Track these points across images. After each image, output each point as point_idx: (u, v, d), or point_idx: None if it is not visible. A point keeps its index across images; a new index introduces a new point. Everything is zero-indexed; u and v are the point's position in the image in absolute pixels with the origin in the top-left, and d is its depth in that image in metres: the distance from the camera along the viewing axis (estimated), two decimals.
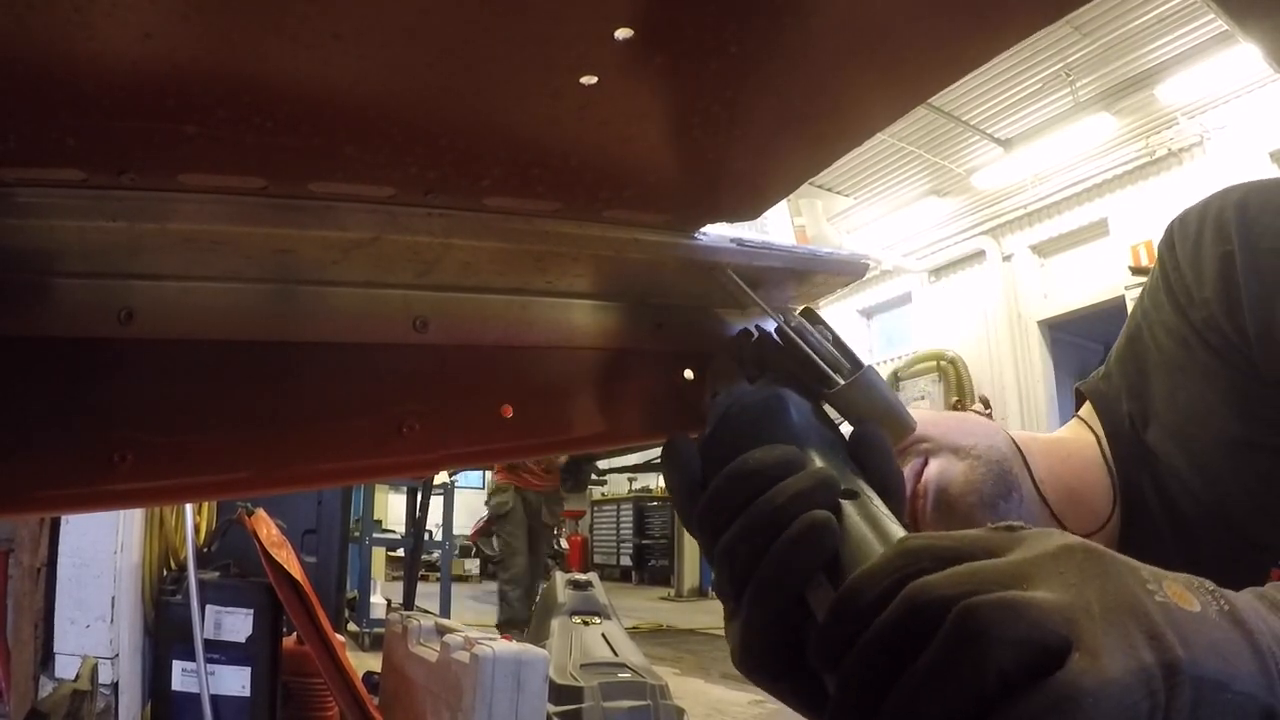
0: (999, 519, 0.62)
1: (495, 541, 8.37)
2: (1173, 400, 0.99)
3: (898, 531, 0.49)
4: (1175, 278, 0.98)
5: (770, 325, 0.70)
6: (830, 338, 0.71)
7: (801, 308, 0.75)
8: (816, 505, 0.50)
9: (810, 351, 0.65)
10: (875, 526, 0.50)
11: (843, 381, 0.65)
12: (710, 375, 0.66)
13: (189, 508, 3.68)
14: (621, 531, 15.85)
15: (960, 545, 0.41)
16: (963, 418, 1.09)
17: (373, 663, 4.68)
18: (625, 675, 3.87)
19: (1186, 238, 0.97)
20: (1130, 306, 1.12)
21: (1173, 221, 1.01)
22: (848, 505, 0.51)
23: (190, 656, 3.44)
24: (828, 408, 0.65)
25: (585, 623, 4.31)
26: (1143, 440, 1.02)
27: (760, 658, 0.51)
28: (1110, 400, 1.08)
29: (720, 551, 0.52)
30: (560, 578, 4.69)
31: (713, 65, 0.61)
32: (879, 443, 0.59)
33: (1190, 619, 0.37)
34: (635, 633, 6.63)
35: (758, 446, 0.55)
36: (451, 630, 3.46)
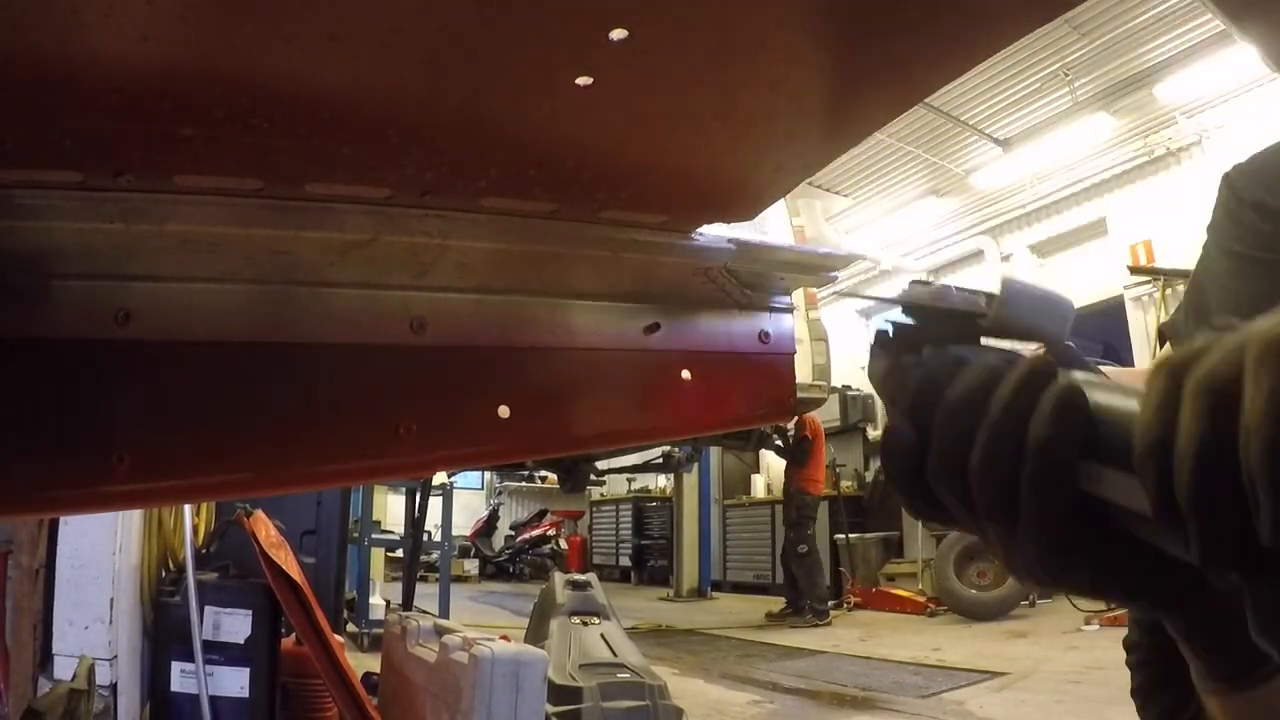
0: None
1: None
2: (1223, 307, 1.04)
3: (1129, 393, 0.45)
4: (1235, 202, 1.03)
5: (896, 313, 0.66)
6: (951, 287, 0.68)
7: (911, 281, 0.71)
8: (1048, 379, 0.47)
9: (947, 303, 0.60)
10: (1107, 389, 0.46)
11: (987, 308, 0.60)
12: (886, 390, 0.61)
13: (187, 509, 3.68)
14: (621, 532, 15.83)
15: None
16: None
17: (371, 663, 4.68)
18: (624, 675, 3.87)
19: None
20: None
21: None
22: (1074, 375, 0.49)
23: (189, 658, 3.44)
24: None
25: (584, 623, 4.31)
26: None
27: (1068, 545, 0.46)
28: (1177, 326, 1.17)
29: (977, 470, 0.48)
30: (559, 578, 4.69)
31: (707, 66, 0.61)
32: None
33: None
34: (634, 633, 6.63)
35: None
36: (450, 631, 3.46)
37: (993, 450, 0.47)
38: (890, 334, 0.61)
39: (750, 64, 0.62)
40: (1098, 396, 0.46)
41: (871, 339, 0.62)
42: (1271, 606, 0.37)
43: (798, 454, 8.80)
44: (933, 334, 0.59)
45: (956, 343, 0.58)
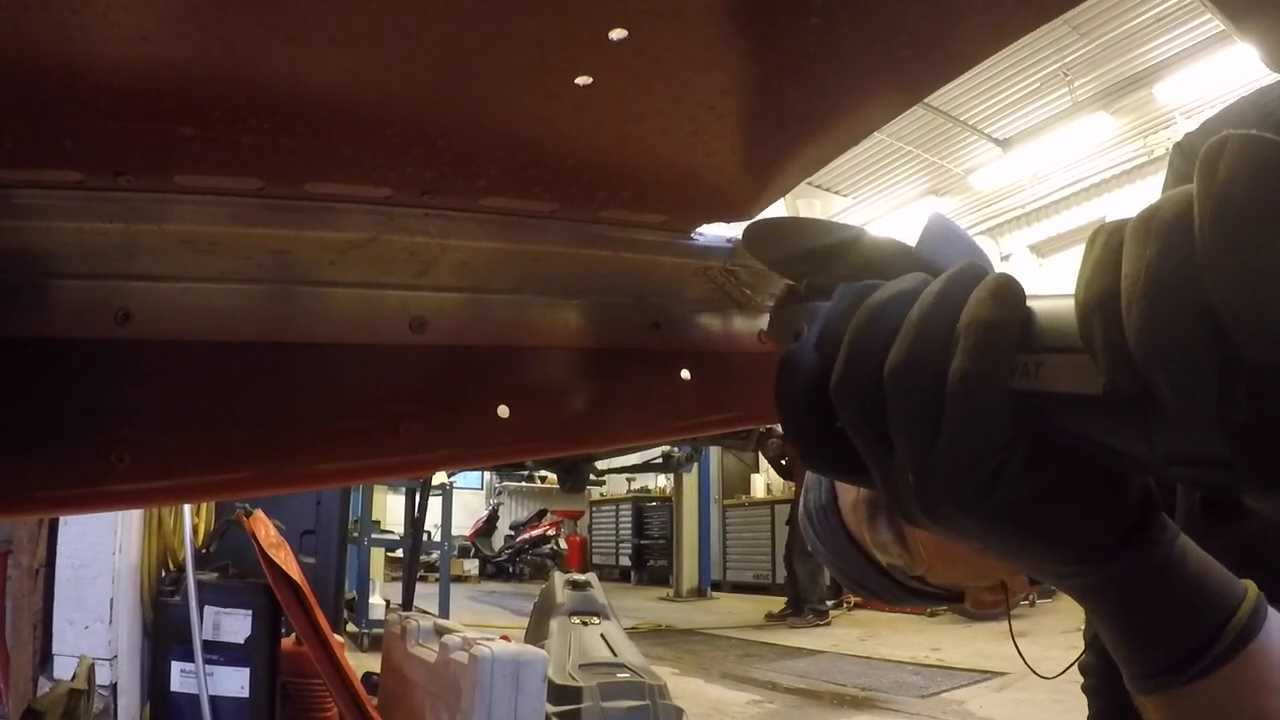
0: None
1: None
2: None
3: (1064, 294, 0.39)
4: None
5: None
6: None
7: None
8: (982, 276, 0.41)
9: (869, 243, 0.53)
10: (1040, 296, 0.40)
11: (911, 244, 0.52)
12: (778, 331, 0.52)
13: (187, 508, 3.68)
14: (620, 532, 15.84)
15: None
16: None
17: (371, 663, 4.68)
18: (624, 675, 3.87)
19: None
20: None
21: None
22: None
23: (189, 657, 3.44)
24: None
25: (584, 623, 4.31)
26: None
27: (1001, 450, 0.39)
28: None
29: (898, 365, 0.40)
30: (559, 578, 4.69)
31: (707, 66, 0.61)
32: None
33: None
34: (634, 633, 6.63)
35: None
36: (450, 631, 3.46)
37: (921, 339, 0.40)
38: (799, 282, 0.54)
39: (750, 63, 0.62)
40: (1034, 296, 0.41)
41: (779, 291, 0.54)
42: (1270, 441, 0.30)
43: None
44: (850, 277, 0.50)
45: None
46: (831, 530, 0.94)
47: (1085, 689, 0.94)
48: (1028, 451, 0.39)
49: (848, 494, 0.92)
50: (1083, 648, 0.99)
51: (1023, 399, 0.39)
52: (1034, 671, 1.10)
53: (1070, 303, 0.37)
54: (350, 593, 6.91)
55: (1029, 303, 0.40)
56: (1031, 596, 8.08)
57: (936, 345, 0.40)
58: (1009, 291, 0.39)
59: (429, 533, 8.01)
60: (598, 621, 4.35)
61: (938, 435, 0.40)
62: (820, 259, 0.52)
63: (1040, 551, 0.43)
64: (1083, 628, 0.98)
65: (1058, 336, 0.38)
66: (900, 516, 0.44)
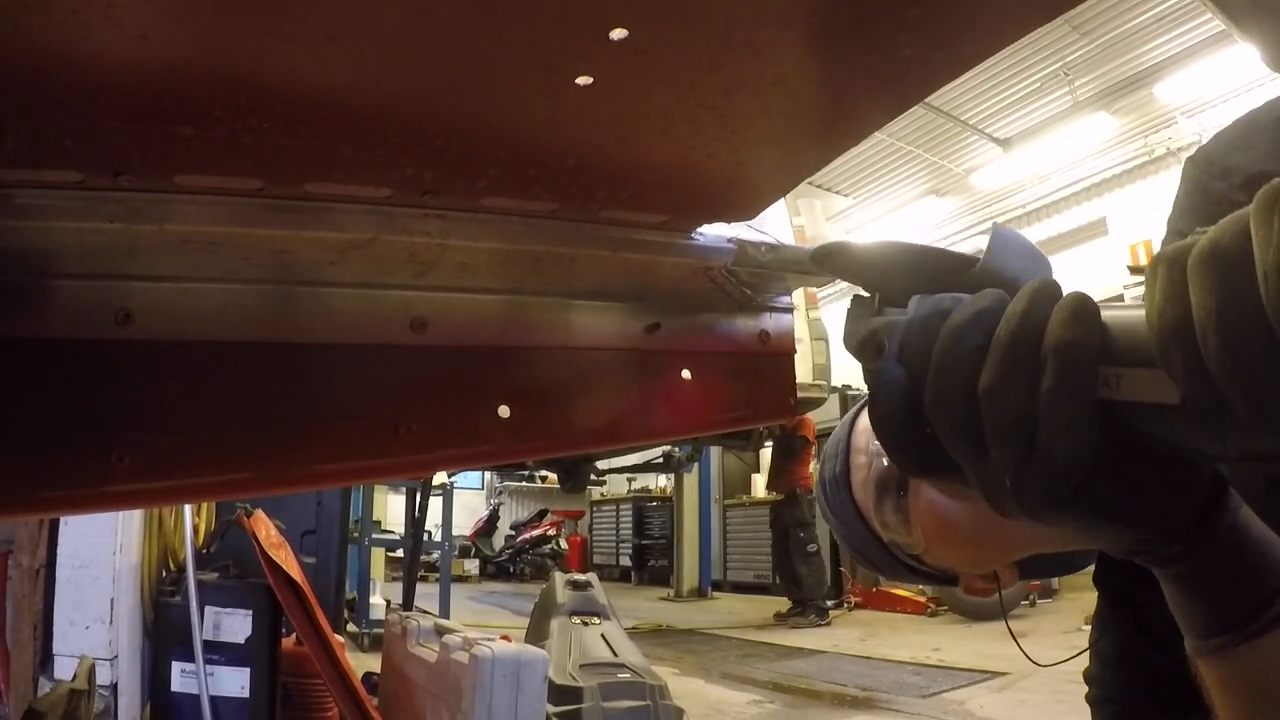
0: None
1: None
2: None
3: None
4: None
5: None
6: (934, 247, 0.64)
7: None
8: (1059, 293, 0.45)
9: (933, 256, 0.56)
10: (1106, 304, 0.44)
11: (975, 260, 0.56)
12: (855, 341, 0.55)
13: (188, 509, 3.68)
14: (621, 532, 15.83)
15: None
16: None
17: (372, 663, 4.69)
18: (625, 675, 3.87)
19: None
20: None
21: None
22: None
23: (189, 658, 3.44)
24: None
25: (585, 623, 4.31)
26: None
27: (1093, 456, 0.43)
28: None
29: (992, 385, 0.44)
30: (560, 578, 4.69)
31: (708, 65, 0.61)
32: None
33: None
34: (635, 633, 6.63)
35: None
36: (451, 631, 3.46)
37: (1011, 359, 0.44)
38: (872, 295, 0.56)
39: (751, 63, 0.62)
40: (1103, 309, 0.44)
41: (849, 303, 0.57)
42: None
43: (793, 447, 8.80)
44: (918, 288, 0.53)
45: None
46: (842, 501, 0.99)
47: (1089, 699, 0.95)
48: (1113, 454, 0.44)
49: (860, 470, 0.98)
50: (1082, 646, 1.00)
51: (1107, 408, 0.43)
52: (1030, 660, 1.12)
53: (1137, 316, 0.41)
54: (351, 593, 6.91)
55: (1103, 315, 0.44)
56: (1032, 596, 8.08)
57: (1025, 365, 0.44)
58: (1087, 310, 0.43)
59: (429, 533, 8.00)
60: (598, 621, 4.35)
61: (1032, 446, 0.44)
62: (890, 272, 0.56)
63: (1126, 535, 0.49)
64: (1086, 627, 0.98)
65: (1134, 352, 0.42)
66: (995, 510, 0.48)
